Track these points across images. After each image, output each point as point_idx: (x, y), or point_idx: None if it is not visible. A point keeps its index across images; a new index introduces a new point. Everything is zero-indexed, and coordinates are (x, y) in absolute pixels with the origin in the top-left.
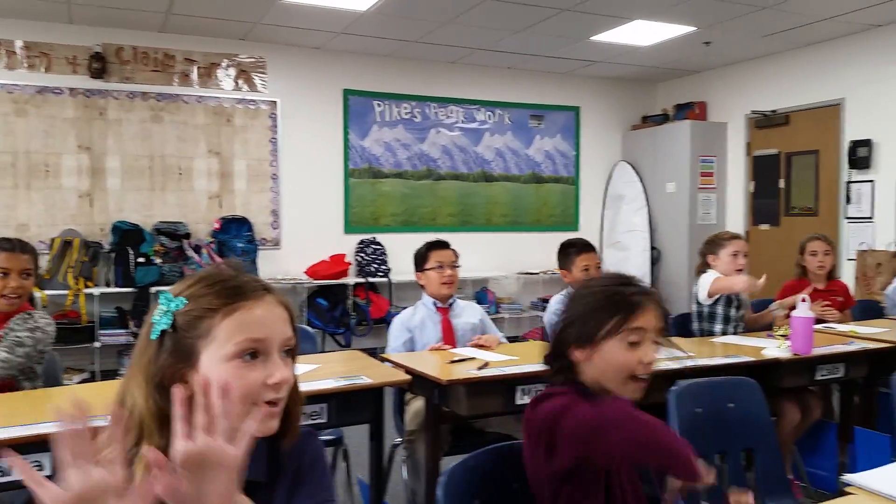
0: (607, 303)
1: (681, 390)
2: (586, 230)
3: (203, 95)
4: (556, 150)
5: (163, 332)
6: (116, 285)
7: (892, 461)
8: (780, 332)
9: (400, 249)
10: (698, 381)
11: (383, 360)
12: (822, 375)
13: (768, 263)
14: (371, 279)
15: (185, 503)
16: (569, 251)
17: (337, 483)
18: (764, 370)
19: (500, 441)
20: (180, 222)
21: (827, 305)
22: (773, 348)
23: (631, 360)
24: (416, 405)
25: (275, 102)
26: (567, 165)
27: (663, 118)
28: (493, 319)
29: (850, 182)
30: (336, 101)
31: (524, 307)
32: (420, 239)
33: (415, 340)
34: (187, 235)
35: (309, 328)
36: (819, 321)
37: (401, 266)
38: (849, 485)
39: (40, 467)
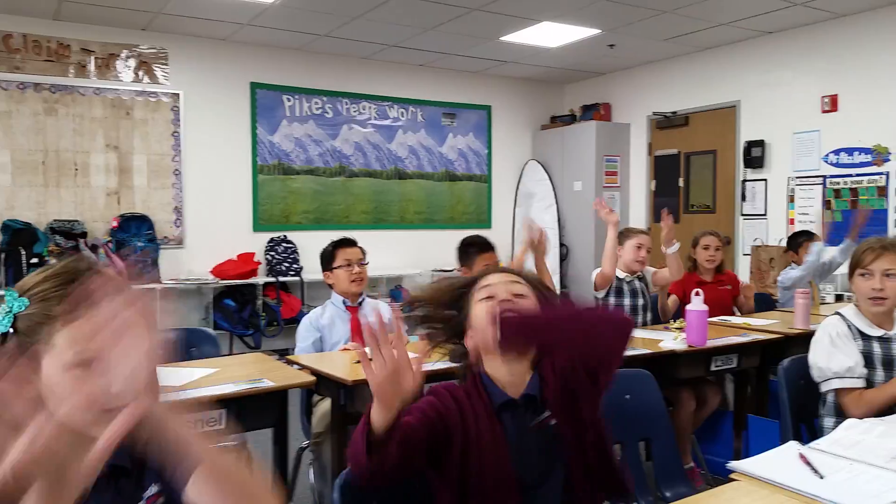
0: (457, 280)
1: None
2: (499, 228)
3: (101, 87)
4: (468, 148)
5: (4, 333)
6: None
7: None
8: (676, 325)
9: (312, 248)
10: None
11: (289, 361)
12: (717, 366)
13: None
14: (282, 278)
15: None
16: (469, 250)
17: None
18: (662, 362)
19: None
20: (76, 220)
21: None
22: (670, 341)
23: (486, 312)
24: (323, 407)
25: (177, 95)
26: (480, 163)
27: (571, 118)
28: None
29: (745, 180)
30: (243, 95)
31: None
32: (332, 237)
33: (324, 340)
34: (84, 234)
35: (211, 330)
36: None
37: (313, 265)
38: (733, 471)
39: None
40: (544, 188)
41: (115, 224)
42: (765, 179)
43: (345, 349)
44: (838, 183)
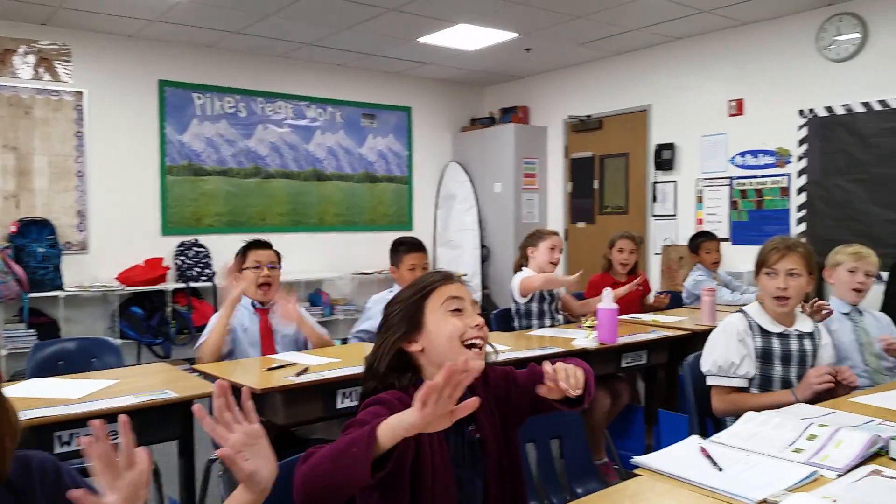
0: (416, 289)
1: None
2: (420, 229)
3: None
4: (388, 149)
5: None
6: None
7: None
8: (588, 324)
9: (225, 251)
10: None
11: (194, 370)
12: (628, 362)
13: (585, 258)
14: (193, 284)
15: None
16: (399, 249)
17: None
18: None
19: None
20: None
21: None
22: (582, 339)
23: (458, 325)
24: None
25: (81, 93)
26: (400, 165)
27: (490, 121)
28: (327, 322)
29: (655, 182)
30: (151, 93)
31: (360, 308)
32: (248, 240)
33: (237, 340)
34: None
35: (114, 340)
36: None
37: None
38: (637, 466)
39: None
40: (465, 190)
41: (13, 229)
42: (674, 181)
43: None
44: (744, 184)
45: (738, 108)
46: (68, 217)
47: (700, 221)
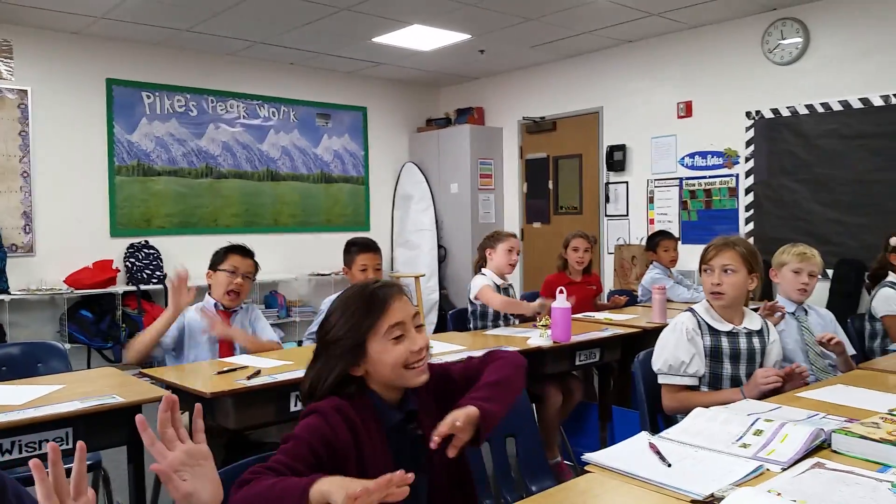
0: (357, 313)
1: None
2: (377, 230)
3: None
4: (344, 149)
5: None
6: None
7: None
8: (543, 323)
9: (177, 253)
10: None
11: (143, 375)
12: (581, 360)
13: (540, 258)
14: (143, 287)
15: None
16: (350, 250)
17: None
18: (529, 358)
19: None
20: None
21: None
22: (537, 337)
23: (401, 354)
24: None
25: (25, 91)
26: (356, 165)
27: (446, 121)
28: (283, 324)
29: (608, 183)
30: (98, 92)
31: (316, 309)
32: (200, 241)
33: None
34: None
35: (61, 344)
36: None
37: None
38: (587, 463)
39: None
40: (422, 190)
41: None
42: (626, 182)
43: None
44: (693, 185)
45: (686, 110)
46: (13, 219)
47: (652, 221)
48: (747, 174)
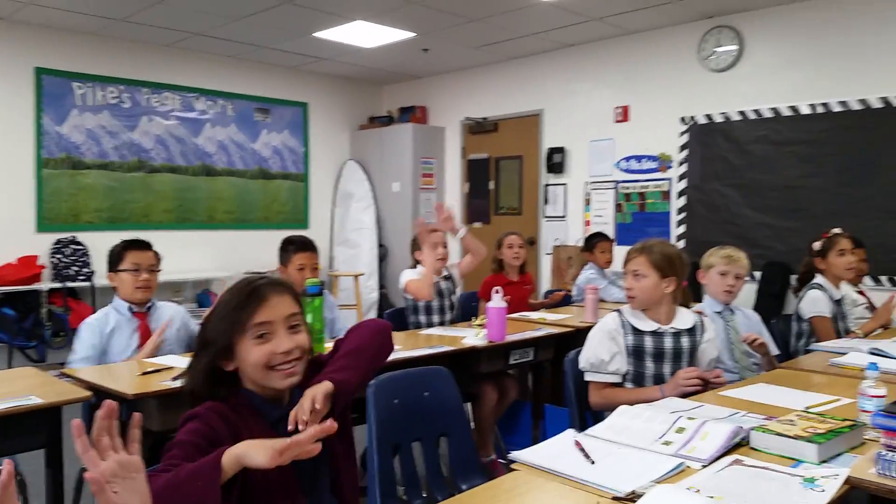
0: (229, 309)
1: (378, 384)
2: (316, 228)
3: None
4: (284, 145)
5: None
6: None
7: None
8: (478, 322)
9: (105, 250)
10: (396, 373)
11: (64, 375)
12: (516, 359)
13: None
14: (70, 284)
15: None
16: (287, 248)
17: None
18: (464, 358)
19: None
20: None
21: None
22: (472, 337)
23: (264, 354)
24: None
25: None
26: (296, 162)
27: (388, 120)
28: None
29: (547, 185)
30: (26, 81)
31: None
32: (130, 237)
33: (108, 351)
34: None
35: None
36: None
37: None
38: (514, 461)
39: None
40: (363, 188)
41: None
42: (565, 184)
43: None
44: (628, 187)
45: (623, 114)
46: None
47: (588, 223)
48: (680, 178)
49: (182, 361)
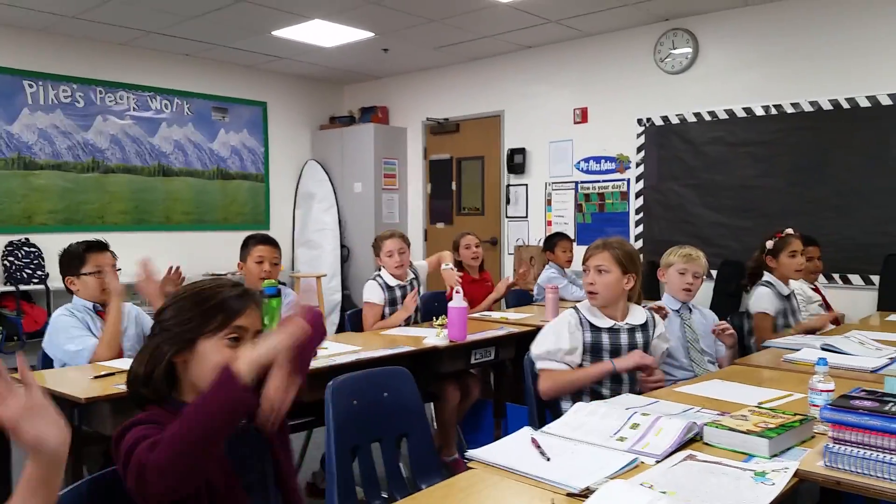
0: (209, 304)
1: (336, 385)
2: (277, 228)
3: None
4: (243, 145)
5: None
6: None
7: None
8: (439, 322)
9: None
10: (355, 374)
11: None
12: (477, 359)
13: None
14: (23, 287)
15: None
16: (248, 242)
17: None
18: (426, 358)
19: None
20: None
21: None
22: (433, 337)
23: (230, 358)
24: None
25: None
26: (255, 162)
27: (350, 120)
28: None
29: (509, 185)
30: None
31: None
32: (86, 239)
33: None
34: None
35: None
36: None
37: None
38: (471, 459)
39: None
40: (325, 189)
41: None
42: (526, 184)
43: None
44: (588, 188)
45: (582, 116)
46: None
47: (549, 223)
48: (638, 179)
49: None
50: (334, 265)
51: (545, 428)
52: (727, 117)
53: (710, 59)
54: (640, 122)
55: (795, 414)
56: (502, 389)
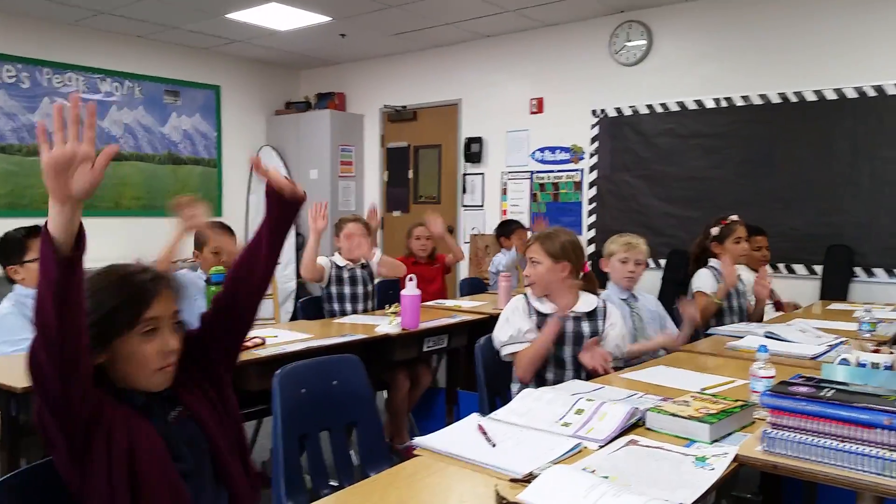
0: (117, 297)
1: (284, 373)
2: (230, 215)
3: None
4: (195, 129)
5: None
6: None
7: None
8: (392, 310)
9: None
10: (303, 362)
11: None
12: (430, 346)
13: (400, 246)
14: None
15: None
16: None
17: None
18: (377, 346)
19: None
20: None
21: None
22: (386, 325)
23: (150, 354)
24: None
25: None
26: (208, 147)
27: (306, 105)
28: None
29: (465, 174)
30: None
31: None
32: (31, 224)
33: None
34: None
35: None
36: None
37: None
38: (418, 446)
39: None
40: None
41: None
42: (482, 173)
43: None
44: (543, 178)
45: (538, 106)
46: None
47: (504, 212)
48: (591, 169)
49: None
50: (289, 253)
51: (492, 414)
52: (679, 109)
53: (664, 52)
54: (594, 113)
55: (736, 400)
56: (455, 377)
